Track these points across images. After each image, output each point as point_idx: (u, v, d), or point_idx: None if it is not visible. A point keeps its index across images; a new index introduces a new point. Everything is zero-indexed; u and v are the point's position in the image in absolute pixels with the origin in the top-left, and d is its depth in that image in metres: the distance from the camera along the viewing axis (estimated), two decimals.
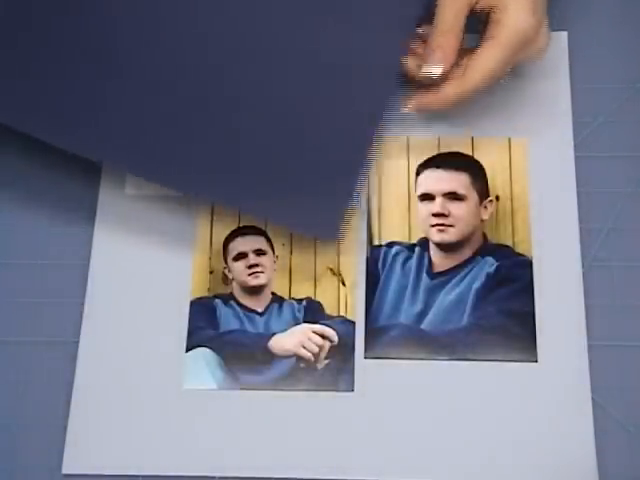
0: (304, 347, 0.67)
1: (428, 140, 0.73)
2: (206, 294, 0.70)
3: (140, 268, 0.70)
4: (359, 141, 0.66)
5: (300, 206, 0.65)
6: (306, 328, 0.68)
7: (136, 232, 0.71)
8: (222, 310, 0.69)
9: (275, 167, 0.66)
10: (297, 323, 0.68)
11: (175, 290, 0.69)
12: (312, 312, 0.69)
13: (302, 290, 0.69)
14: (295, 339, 0.68)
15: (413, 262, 0.69)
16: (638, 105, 0.73)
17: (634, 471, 0.63)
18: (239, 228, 0.71)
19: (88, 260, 0.70)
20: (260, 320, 0.69)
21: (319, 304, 0.69)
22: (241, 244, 0.71)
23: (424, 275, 0.69)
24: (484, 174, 0.71)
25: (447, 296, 0.68)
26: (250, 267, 0.70)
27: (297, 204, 0.65)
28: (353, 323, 0.68)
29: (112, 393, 0.67)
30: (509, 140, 0.72)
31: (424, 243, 0.70)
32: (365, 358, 0.67)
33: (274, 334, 0.68)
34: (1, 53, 0.66)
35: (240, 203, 0.66)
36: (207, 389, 0.67)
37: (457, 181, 0.71)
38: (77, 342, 0.68)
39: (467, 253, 0.69)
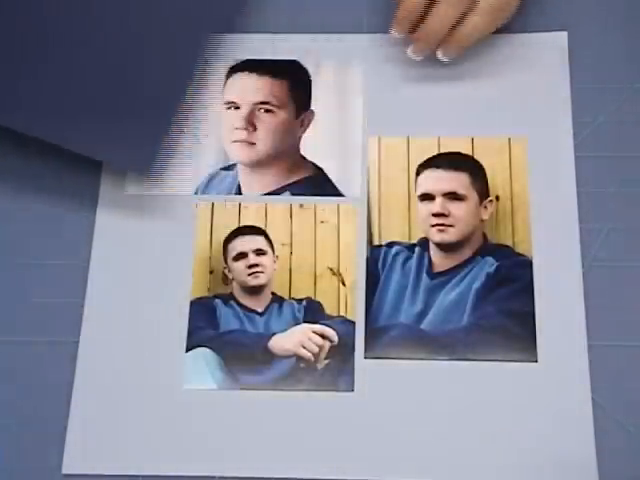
0: (304, 347, 0.67)
1: (428, 140, 0.73)
2: (206, 294, 0.70)
3: (140, 268, 0.70)
4: (170, 88, 0.72)
5: (116, 140, 0.70)
6: (306, 328, 0.68)
7: (136, 232, 0.71)
8: (222, 310, 0.69)
9: (94, 103, 0.70)
10: (297, 323, 0.68)
11: (175, 290, 0.69)
12: (312, 312, 0.69)
13: (302, 290, 0.69)
14: (295, 339, 0.68)
15: (413, 262, 0.69)
16: (638, 105, 0.73)
17: (634, 471, 0.63)
18: (239, 228, 0.71)
19: (88, 260, 0.70)
20: (260, 320, 0.69)
21: (319, 304, 0.69)
22: (241, 244, 0.71)
23: (424, 275, 0.69)
24: (484, 174, 0.71)
25: (447, 296, 0.68)
26: (250, 267, 0.70)
27: (114, 138, 0.70)
28: (353, 323, 0.68)
29: (112, 393, 0.67)
30: (509, 140, 0.72)
31: (424, 243, 0.70)
32: (365, 358, 0.67)
33: (274, 334, 0.68)
34: None
35: (61, 137, 0.69)
36: (207, 389, 0.67)
37: (457, 181, 0.71)
38: (77, 342, 0.68)
39: (467, 253, 0.69)
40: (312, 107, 0.75)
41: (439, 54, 0.72)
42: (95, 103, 0.70)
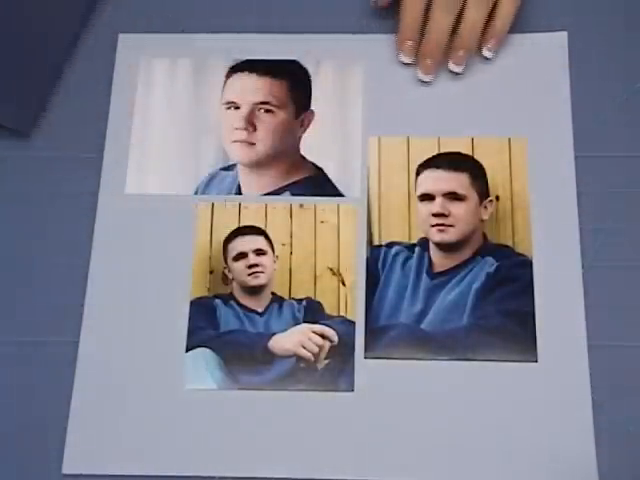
0: (304, 347, 0.67)
1: (428, 140, 0.73)
2: (206, 294, 0.70)
3: (140, 268, 0.70)
4: (54, 43, 0.75)
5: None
6: (306, 328, 0.68)
7: (136, 232, 0.71)
8: (222, 310, 0.69)
9: None
10: (297, 323, 0.68)
11: (175, 290, 0.69)
12: (312, 312, 0.69)
13: (302, 290, 0.69)
14: (295, 339, 0.68)
15: (413, 262, 0.69)
16: (638, 105, 0.73)
17: (634, 471, 0.63)
18: (239, 228, 0.71)
19: (88, 260, 0.70)
20: (260, 320, 0.69)
21: (319, 304, 0.69)
22: (241, 244, 0.71)
23: (424, 275, 0.69)
24: (484, 174, 0.71)
25: (447, 296, 0.68)
26: (250, 267, 0.70)
27: None
28: (353, 323, 0.68)
29: (112, 393, 0.67)
30: (509, 140, 0.72)
31: (424, 243, 0.70)
32: (365, 358, 0.67)
33: (274, 334, 0.68)
34: None
35: None
36: (207, 389, 0.67)
37: (457, 181, 0.71)
38: (77, 342, 0.68)
39: (467, 253, 0.69)
40: (312, 107, 0.75)
41: (451, 65, 0.73)
42: None
